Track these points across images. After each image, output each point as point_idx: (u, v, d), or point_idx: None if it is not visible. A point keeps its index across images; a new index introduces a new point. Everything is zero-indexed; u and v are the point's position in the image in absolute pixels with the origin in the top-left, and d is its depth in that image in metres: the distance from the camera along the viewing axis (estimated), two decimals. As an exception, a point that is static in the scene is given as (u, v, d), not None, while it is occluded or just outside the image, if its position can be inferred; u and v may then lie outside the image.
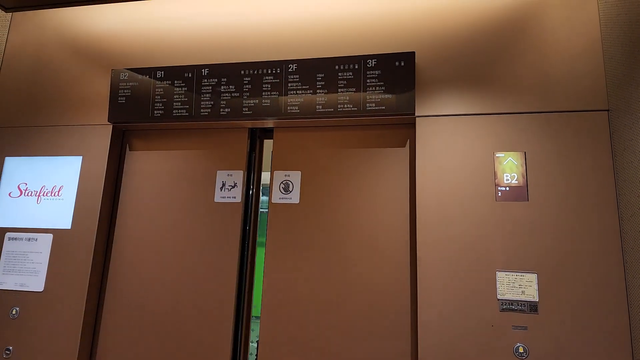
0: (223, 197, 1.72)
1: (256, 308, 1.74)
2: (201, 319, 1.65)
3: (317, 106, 1.61)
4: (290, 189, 1.68)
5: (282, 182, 1.70)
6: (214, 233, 1.70)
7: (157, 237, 1.76)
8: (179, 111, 1.72)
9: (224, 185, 1.72)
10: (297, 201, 1.68)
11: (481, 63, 1.57)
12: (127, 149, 1.88)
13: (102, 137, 1.80)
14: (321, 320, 1.57)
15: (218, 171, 1.74)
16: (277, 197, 1.69)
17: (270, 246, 1.66)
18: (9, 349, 1.68)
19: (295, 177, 1.70)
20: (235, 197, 1.70)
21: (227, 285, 1.65)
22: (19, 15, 2.03)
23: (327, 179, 1.68)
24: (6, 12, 1.83)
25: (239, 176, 1.72)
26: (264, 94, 1.66)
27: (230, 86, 1.69)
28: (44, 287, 1.71)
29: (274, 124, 1.73)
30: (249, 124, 1.73)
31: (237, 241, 1.68)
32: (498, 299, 1.39)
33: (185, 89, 1.73)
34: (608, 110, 1.44)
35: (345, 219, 1.63)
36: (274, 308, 1.61)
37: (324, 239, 1.63)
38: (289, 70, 1.66)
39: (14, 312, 1.71)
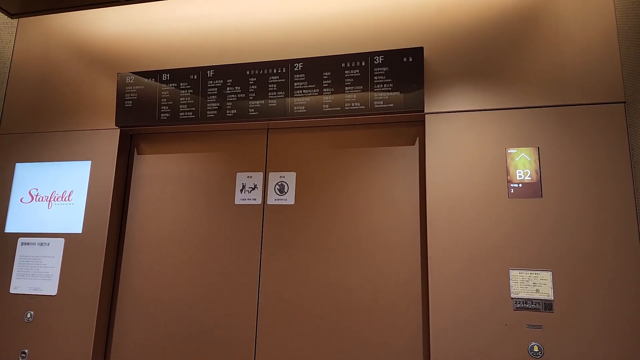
0: (244, 199, 1.72)
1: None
2: (221, 322, 1.65)
3: (324, 105, 1.59)
4: (286, 190, 1.68)
5: (277, 184, 1.69)
6: (235, 235, 1.70)
7: (171, 239, 1.76)
8: (186, 114, 1.72)
9: (244, 187, 1.72)
10: (292, 202, 1.67)
11: (491, 57, 1.53)
12: (136, 152, 1.89)
13: (110, 142, 1.80)
14: (322, 325, 1.55)
15: (238, 173, 1.74)
16: (273, 198, 1.69)
17: (266, 251, 1.65)
18: (24, 352, 1.71)
19: (290, 178, 1.69)
20: (255, 199, 1.70)
21: (249, 287, 1.65)
22: (24, 21, 2.04)
23: (327, 180, 1.66)
24: (11, 18, 1.84)
25: (259, 178, 1.72)
26: (270, 94, 1.64)
27: (236, 87, 1.68)
28: (57, 291, 1.73)
29: (280, 125, 1.72)
30: (255, 125, 1.72)
31: (259, 242, 1.68)
32: (512, 298, 1.36)
33: (191, 91, 1.72)
34: (624, 103, 1.40)
35: (349, 221, 1.61)
36: (270, 313, 1.60)
37: (325, 241, 1.61)
38: (295, 69, 1.63)
39: (28, 315, 1.73)
